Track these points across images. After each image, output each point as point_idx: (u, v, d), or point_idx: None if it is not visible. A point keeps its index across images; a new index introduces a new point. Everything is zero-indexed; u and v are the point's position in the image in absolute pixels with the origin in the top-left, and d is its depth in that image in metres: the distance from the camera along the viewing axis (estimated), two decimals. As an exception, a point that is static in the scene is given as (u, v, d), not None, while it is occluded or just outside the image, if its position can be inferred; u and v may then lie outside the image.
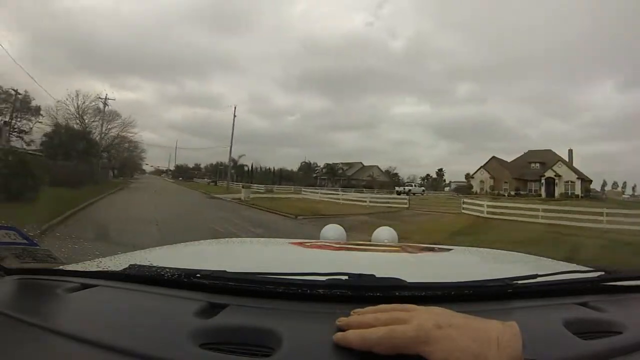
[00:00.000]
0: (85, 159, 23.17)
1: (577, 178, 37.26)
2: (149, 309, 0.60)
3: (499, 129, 68.91)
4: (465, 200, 17.87)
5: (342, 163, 52.65)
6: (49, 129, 25.44)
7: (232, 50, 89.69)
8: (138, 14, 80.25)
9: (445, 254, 1.42)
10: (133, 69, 78.28)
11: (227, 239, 1.77)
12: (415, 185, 42.75)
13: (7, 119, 26.57)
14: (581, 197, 34.79)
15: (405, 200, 20.04)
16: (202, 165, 66.11)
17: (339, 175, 50.57)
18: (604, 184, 51.13)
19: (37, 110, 28.81)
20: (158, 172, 67.48)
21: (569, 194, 36.09)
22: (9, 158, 11.15)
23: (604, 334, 0.55)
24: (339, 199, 21.84)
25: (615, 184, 53.43)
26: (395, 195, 27.77)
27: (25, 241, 0.71)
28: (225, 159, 44.29)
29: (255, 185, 32.65)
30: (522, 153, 44.60)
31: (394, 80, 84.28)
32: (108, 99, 31.51)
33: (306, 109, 78.46)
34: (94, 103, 30.85)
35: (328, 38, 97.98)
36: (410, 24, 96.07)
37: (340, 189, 34.03)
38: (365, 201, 20.37)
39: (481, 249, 1.67)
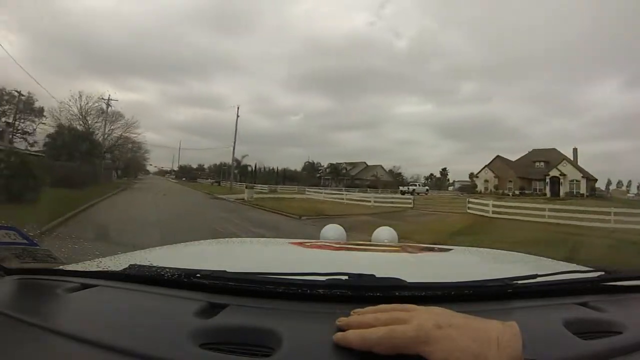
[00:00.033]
0: (88, 160, 23.31)
1: (582, 177, 37.01)
2: (149, 309, 0.60)
3: (503, 128, 68.92)
4: (471, 199, 17.79)
5: (345, 163, 52.63)
6: (52, 130, 25.70)
7: (234, 51, 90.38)
8: (141, 14, 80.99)
9: (445, 254, 1.42)
10: (136, 69, 78.88)
11: (227, 239, 1.77)
12: (419, 185, 42.68)
13: (10, 120, 26.82)
14: (586, 196, 34.57)
15: (410, 200, 20.00)
16: (205, 166, 66.67)
17: (342, 175, 50.57)
18: (609, 182, 50.99)
19: (40, 112, 29.22)
20: (162, 173, 68.00)
21: (574, 193, 35.85)
22: (10, 159, 11.08)
23: (604, 334, 0.55)
24: (343, 199, 21.75)
25: (620, 183, 53.29)
26: (399, 195, 27.64)
27: (25, 241, 0.71)
28: (228, 160, 44.53)
29: (259, 185, 32.59)
30: (527, 152, 44.56)
31: (396, 80, 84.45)
32: (111, 99, 31.87)
33: (309, 108, 78.90)
34: (97, 104, 31.25)
35: (330, 38, 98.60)
36: (413, 23, 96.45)
37: (344, 188, 33.87)
38: (370, 201, 20.28)
39: (481, 249, 1.67)
